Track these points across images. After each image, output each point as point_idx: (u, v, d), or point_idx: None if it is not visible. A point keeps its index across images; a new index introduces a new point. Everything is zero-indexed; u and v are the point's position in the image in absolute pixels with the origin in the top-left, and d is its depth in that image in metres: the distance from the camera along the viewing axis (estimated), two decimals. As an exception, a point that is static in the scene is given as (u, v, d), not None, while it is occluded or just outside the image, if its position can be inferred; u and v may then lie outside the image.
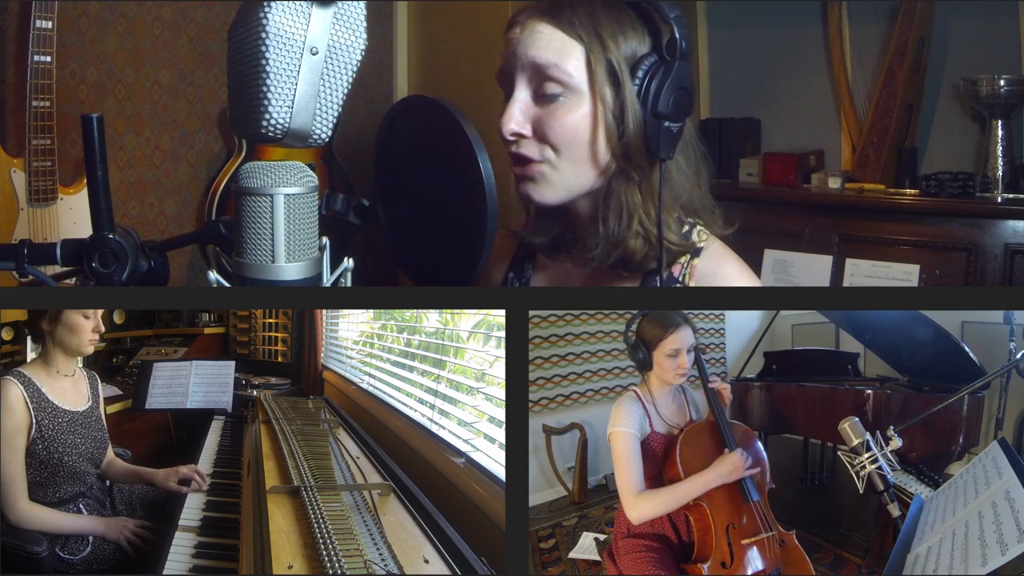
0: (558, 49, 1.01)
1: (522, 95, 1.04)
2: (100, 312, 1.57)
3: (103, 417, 1.65)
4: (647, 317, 1.36)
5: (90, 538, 1.46)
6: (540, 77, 1.02)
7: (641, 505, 1.23)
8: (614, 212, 1.06)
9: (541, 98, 1.03)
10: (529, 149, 1.05)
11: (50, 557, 1.39)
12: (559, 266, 1.20)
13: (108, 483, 1.66)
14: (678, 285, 1.11)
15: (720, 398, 1.34)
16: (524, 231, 1.20)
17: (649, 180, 1.05)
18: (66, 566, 1.42)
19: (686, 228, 1.12)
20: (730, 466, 1.24)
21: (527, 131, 1.04)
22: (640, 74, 1.00)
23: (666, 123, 1.01)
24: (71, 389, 1.55)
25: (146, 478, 1.69)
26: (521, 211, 1.20)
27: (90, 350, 1.56)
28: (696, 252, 1.11)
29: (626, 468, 1.25)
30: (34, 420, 1.43)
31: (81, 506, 1.52)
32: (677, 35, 0.98)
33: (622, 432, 1.27)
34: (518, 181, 1.08)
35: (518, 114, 1.04)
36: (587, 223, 1.12)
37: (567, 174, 1.05)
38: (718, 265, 1.12)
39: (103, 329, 1.59)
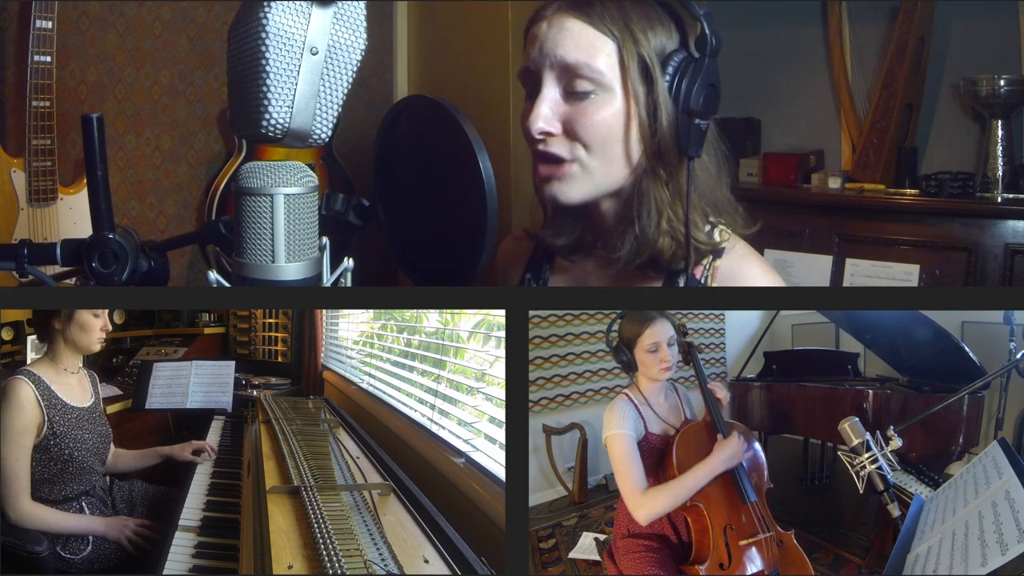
0: (588, 46, 0.99)
1: (551, 92, 1.02)
2: (107, 311, 1.61)
3: (104, 413, 1.68)
4: (624, 317, 1.35)
5: (90, 537, 1.47)
6: (570, 75, 1.00)
7: (648, 503, 1.21)
8: (644, 211, 1.04)
9: (571, 95, 1.01)
10: (559, 147, 1.03)
11: (51, 556, 1.39)
12: (579, 268, 1.18)
13: (109, 482, 1.67)
14: (700, 286, 1.10)
15: (717, 401, 1.33)
16: (543, 232, 1.17)
17: (677, 178, 1.03)
18: (67, 565, 1.42)
19: (709, 227, 1.10)
20: (731, 449, 1.23)
21: (556, 129, 1.02)
22: (670, 70, 0.99)
23: (696, 120, 0.99)
24: (77, 386, 1.58)
25: (164, 453, 1.84)
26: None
27: (99, 347, 1.60)
28: (719, 253, 1.10)
29: (626, 469, 1.24)
30: (46, 417, 1.45)
31: (84, 504, 1.53)
32: (708, 32, 0.97)
33: (617, 434, 1.26)
34: (542, 181, 1.05)
35: (547, 111, 1.01)
36: (610, 223, 1.10)
37: (597, 173, 1.03)
38: (741, 266, 1.10)
39: (111, 328, 1.64)
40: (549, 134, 1.02)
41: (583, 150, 1.02)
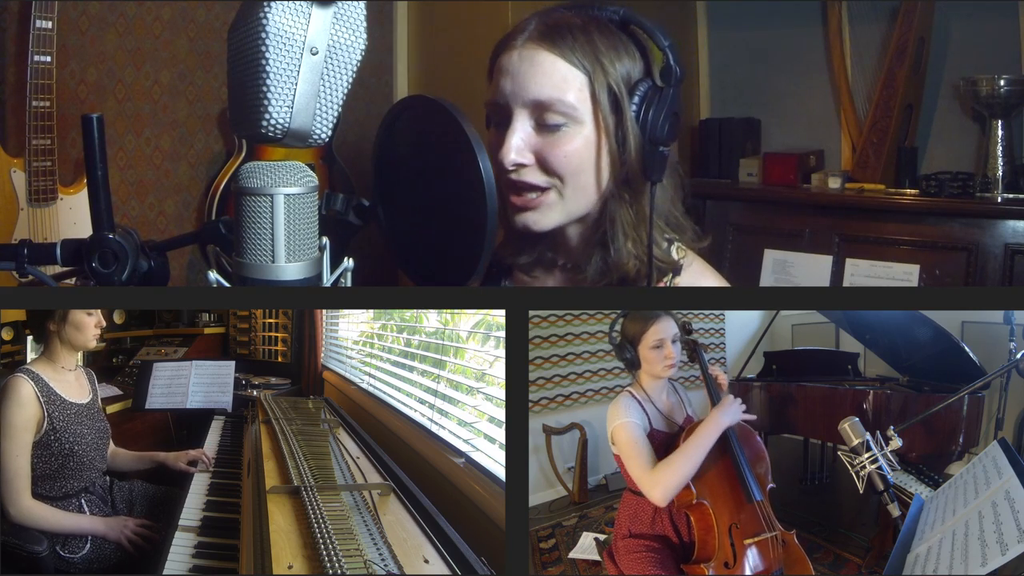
0: (560, 81, 1.00)
1: (522, 126, 1.03)
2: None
3: (103, 410, 1.69)
4: (628, 316, 1.37)
5: (89, 536, 1.47)
6: (542, 109, 1.02)
7: (660, 477, 1.21)
8: (612, 236, 1.06)
9: (542, 128, 1.03)
10: (532, 177, 1.04)
11: (50, 556, 1.40)
12: (539, 284, 1.19)
13: (108, 480, 1.67)
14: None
15: (718, 385, 1.35)
16: (503, 251, 1.17)
17: (639, 202, 1.06)
18: (66, 565, 1.43)
19: (666, 244, 1.12)
20: (730, 405, 1.25)
21: (529, 160, 1.03)
22: (636, 99, 1.01)
23: (660, 148, 1.02)
24: (75, 383, 1.59)
25: (159, 460, 1.84)
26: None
27: (94, 344, 1.62)
28: (677, 270, 1.12)
29: (636, 452, 1.25)
30: (46, 414, 1.47)
31: (83, 502, 1.54)
32: (672, 63, 1.00)
33: (624, 423, 1.27)
34: (516, 210, 1.07)
35: (519, 143, 1.03)
36: (575, 244, 1.12)
37: (570, 201, 1.05)
38: (698, 281, 1.13)
39: (104, 324, 1.64)
40: (522, 165, 1.04)
41: (558, 179, 1.04)
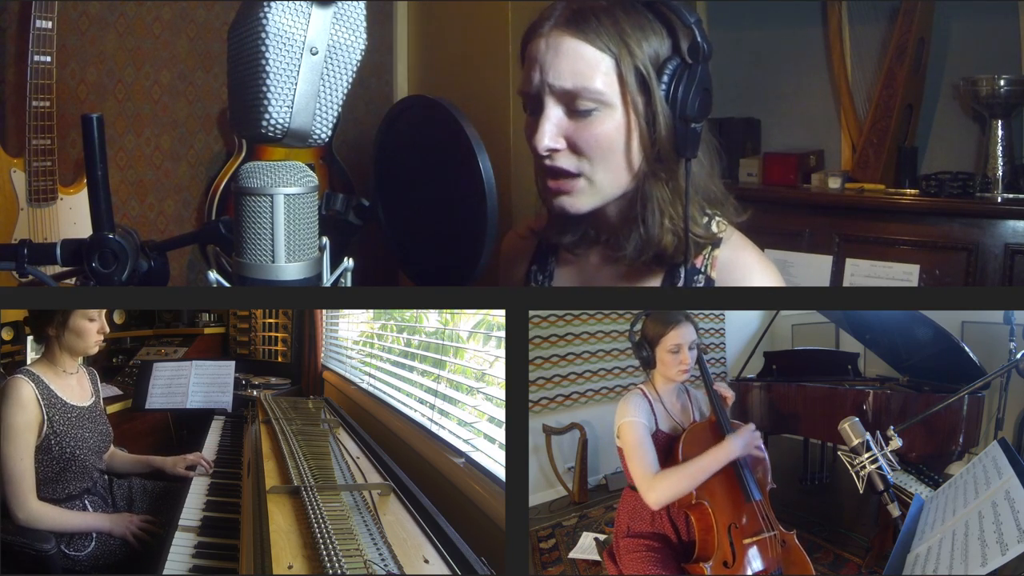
0: (586, 68, 1.02)
1: (553, 113, 1.05)
2: (103, 313, 1.60)
3: (105, 412, 1.68)
4: (650, 316, 1.38)
5: (94, 534, 1.47)
6: (571, 97, 1.04)
7: (659, 485, 1.22)
8: (649, 213, 1.09)
9: (573, 113, 1.05)
10: (564, 161, 1.07)
11: (58, 554, 1.40)
12: (584, 261, 1.23)
13: (108, 479, 1.67)
14: (701, 276, 1.14)
15: (723, 401, 1.35)
16: (547, 231, 1.22)
17: (675, 178, 1.08)
18: (71, 563, 1.43)
19: (706, 219, 1.15)
20: (747, 436, 1.26)
21: (561, 145, 1.06)
22: (665, 78, 1.02)
23: (692, 124, 1.03)
24: (76, 385, 1.57)
25: (156, 465, 1.79)
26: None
27: (95, 351, 1.59)
28: (717, 243, 1.14)
29: (639, 453, 1.26)
30: (46, 416, 1.45)
31: (87, 502, 1.54)
32: (699, 39, 1.01)
33: (631, 421, 1.28)
34: (552, 194, 1.10)
35: (552, 129, 1.05)
36: (614, 222, 1.14)
37: (603, 184, 1.08)
38: (738, 255, 1.15)
39: (107, 331, 1.62)
40: (555, 150, 1.06)
41: (587, 162, 1.06)
